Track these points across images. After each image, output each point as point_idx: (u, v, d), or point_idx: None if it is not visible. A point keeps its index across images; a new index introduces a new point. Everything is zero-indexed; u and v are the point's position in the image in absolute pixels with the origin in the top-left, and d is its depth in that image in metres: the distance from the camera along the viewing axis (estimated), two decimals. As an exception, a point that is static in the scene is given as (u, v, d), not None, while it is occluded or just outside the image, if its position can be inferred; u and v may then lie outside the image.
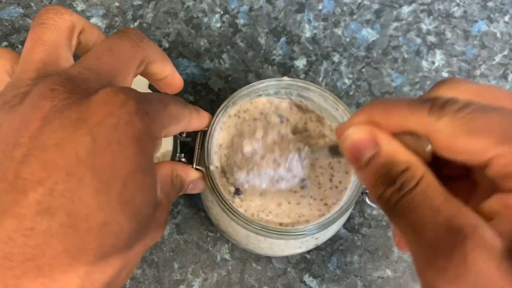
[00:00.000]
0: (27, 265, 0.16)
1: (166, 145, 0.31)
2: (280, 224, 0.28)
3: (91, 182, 0.17)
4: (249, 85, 0.29)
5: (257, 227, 0.26)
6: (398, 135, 0.18)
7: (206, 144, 0.27)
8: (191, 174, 0.26)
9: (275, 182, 0.28)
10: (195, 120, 0.25)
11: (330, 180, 0.29)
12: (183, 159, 0.28)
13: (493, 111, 0.16)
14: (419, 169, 0.17)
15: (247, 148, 0.28)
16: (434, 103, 0.17)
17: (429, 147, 0.18)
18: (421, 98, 0.18)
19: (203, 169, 0.27)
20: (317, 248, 0.37)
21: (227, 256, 0.36)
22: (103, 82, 0.20)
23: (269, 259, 0.36)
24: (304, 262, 0.36)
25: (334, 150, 0.23)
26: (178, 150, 0.32)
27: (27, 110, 0.18)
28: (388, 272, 0.37)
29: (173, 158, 0.31)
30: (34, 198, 0.16)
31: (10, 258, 0.16)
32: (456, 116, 0.16)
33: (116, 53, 0.21)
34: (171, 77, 0.26)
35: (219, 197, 0.27)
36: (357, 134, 0.19)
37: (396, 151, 0.18)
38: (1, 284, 0.15)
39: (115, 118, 0.18)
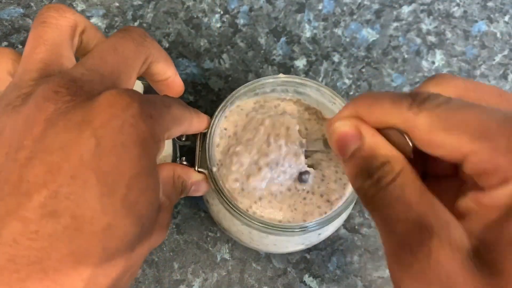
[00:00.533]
0: (32, 268, 0.16)
1: (166, 148, 0.31)
2: (279, 221, 0.28)
3: (95, 185, 0.17)
4: (246, 84, 0.29)
5: (260, 225, 0.26)
6: (383, 130, 0.19)
7: (206, 146, 0.27)
8: (192, 176, 0.26)
9: (274, 177, 0.28)
10: (196, 122, 0.25)
11: (336, 171, 0.29)
12: (185, 162, 0.28)
13: (471, 107, 0.16)
14: (398, 163, 0.17)
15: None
16: (415, 98, 0.17)
17: (411, 143, 0.18)
18: (407, 93, 0.18)
19: (205, 171, 0.27)
20: (317, 248, 0.37)
21: (227, 256, 0.36)
22: (106, 83, 0.20)
23: (269, 259, 0.36)
24: (304, 262, 0.36)
25: (327, 143, 0.24)
26: (178, 153, 0.32)
27: (31, 112, 0.18)
28: (388, 272, 0.37)
29: (173, 161, 0.31)
30: (39, 201, 0.16)
31: (15, 261, 0.16)
32: (434, 111, 0.16)
33: (120, 53, 0.21)
34: (172, 79, 0.26)
35: (224, 198, 0.27)
36: (342, 127, 0.19)
37: (377, 145, 0.18)
38: (6, 286, 0.15)
39: (119, 120, 0.17)
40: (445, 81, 0.18)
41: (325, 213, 0.29)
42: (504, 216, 0.15)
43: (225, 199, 0.27)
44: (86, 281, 0.17)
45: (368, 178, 0.18)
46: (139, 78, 0.30)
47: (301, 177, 0.28)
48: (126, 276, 0.19)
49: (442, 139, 0.16)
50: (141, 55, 0.23)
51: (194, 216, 0.37)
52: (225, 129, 0.30)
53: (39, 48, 0.21)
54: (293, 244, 0.30)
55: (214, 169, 0.28)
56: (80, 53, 0.24)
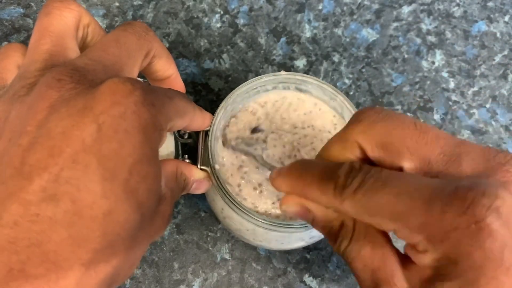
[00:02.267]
0: (32, 250, 0.16)
1: (168, 146, 0.31)
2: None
3: (96, 169, 0.17)
4: (247, 81, 0.29)
5: (262, 221, 0.26)
6: None
7: (209, 144, 0.27)
8: (195, 173, 0.26)
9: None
10: (198, 117, 0.25)
11: None
12: (187, 160, 0.28)
13: (384, 187, 0.17)
14: (351, 219, 0.20)
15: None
16: (336, 183, 0.19)
17: None
18: (330, 171, 0.19)
19: (208, 169, 0.27)
20: (317, 248, 0.37)
21: (227, 256, 0.36)
22: (109, 74, 0.20)
23: (269, 259, 0.36)
24: (304, 262, 0.36)
25: None
26: (180, 151, 0.32)
27: (34, 100, 0.18)
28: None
29: (176, 159, 0.31)
30: (40, 185, 0.16)
31: (15, 243, 0.16)
32: (354, 198, 0.18)
33: (122, 45, 0.22)
34: (174, 78, 0.26)
35: (226, 195, 0.27)
36: (290, 209, 0.21)
37: (327, 212, 0.20)
38: (6, 268, 0.15)
39: (121, 107, 0.18)
40: (368, 129, 0.20)
41: None
42: (432, 278, 0.17)
43: (227, 196, 0.27)
44: (86, 266, 0.17)
45: (334, 243, 0.20)
46: (140, 77, 0.30)
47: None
48: (127, 266, 0.19)
49: (369, 221, 0.18)
50: (143, 48, 0.23)
51: (194, 216, 0.37)
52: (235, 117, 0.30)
53: (44, 39, 0.21)
54: (297, 240, 0.30)
55: (217, 166, 0.28)
56: (84, 48, 0.24)
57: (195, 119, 0.25)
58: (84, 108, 0.17)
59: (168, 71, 0.26)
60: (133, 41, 0.22)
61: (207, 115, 0.27)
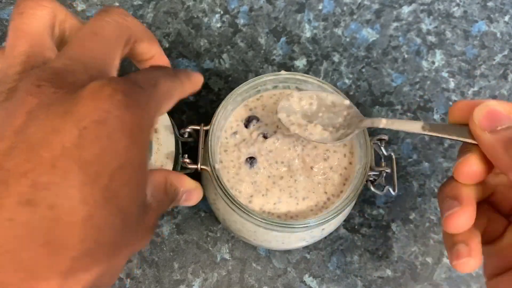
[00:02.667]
0: (5, 257, 0.15)
1: (168, 146, 0.31)
2: (286, 214, 0.28)
3: (76, 175, 0.16)
4: (248, 81, 0.29)
5: (262, 221, 0.26)
6: None
7: (209, 143, 0.27)
8: (185, 184, 0.25)
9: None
10: (188, 87, 0.24)
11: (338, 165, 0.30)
12: (187, 160, 0.28)
13: None
14: None
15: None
16: None
17: None
18: None
19: (208, 169, 0.27)
20: (317, 248, 0.37)
21: (227, 256, 0.36)
22: (90, 71, 0.19)
23: (269, 259, 0.36)
24: (304, 262, 0.36)
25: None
26: (180, 150, 0.32)
27: (14, 106, 0.18)
28: (388, 272, 0.36)
29: (176, 158, 0.31)
30: (16, 190, 0.16)
31: None
32: None
33: (101, 37, 0.21)
34: (158, 57, 0.25)
35: (226, 195, 0.27)
36: (497, 106, 0.21)
37: None
38: None
39: (103, 112, 0.17)
40: None
41: (327, 207, 0.29)
42: None
43: (227, 196, 0.27)
44: (64, 274, 0.16)
45: None
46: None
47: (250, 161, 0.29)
48: (108, 274, 0.18)
49: None
50: (122, 35, 0.22)
51: (194, 216, 0.37)
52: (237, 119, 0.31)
53: (19, 41, 0.20)
54: (298, 240, 0.30)
55: (217, 166, 0.27)
56: (63, 44, 0.23)
57: (185, 91, 0.23)
58: (64, 113, 0.17)
59: (151, 51, 0.25)
60: (111, 30, 0.21)
61: (197, 78, 0.25)
